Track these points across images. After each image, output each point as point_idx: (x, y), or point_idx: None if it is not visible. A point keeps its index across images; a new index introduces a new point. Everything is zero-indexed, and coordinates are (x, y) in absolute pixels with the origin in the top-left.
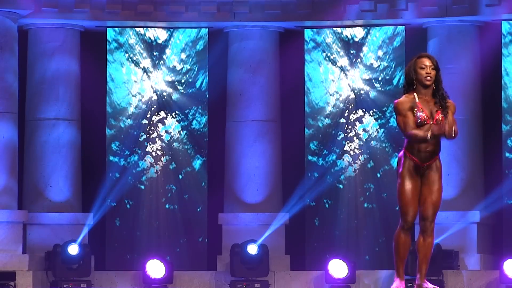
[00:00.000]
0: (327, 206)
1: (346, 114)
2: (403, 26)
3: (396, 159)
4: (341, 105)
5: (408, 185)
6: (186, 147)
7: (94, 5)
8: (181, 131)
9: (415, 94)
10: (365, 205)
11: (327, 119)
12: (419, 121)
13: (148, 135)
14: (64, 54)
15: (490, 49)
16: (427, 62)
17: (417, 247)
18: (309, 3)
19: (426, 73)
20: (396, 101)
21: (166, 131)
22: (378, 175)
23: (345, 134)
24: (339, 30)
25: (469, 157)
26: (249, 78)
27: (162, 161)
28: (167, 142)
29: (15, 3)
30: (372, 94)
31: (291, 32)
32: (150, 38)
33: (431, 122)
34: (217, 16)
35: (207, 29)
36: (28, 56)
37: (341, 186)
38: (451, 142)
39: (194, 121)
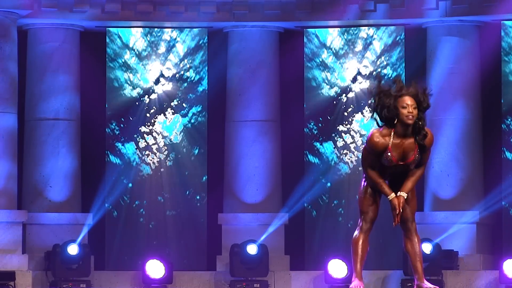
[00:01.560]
0: (326, 207)
1: (345, 114)
2: (403, 26)
3: None
4: (341, 103)
5: (373, 192)
6: (186, 147)
7: (94, 5)
8: (181, 132)
9: (392, 132)
10: None
11: (327, 116)
12: (385, 160)
13: (147, 135)
14: (64, 54)
15: (490, 49)
16: (408, 101)
17: (406, 249)
18: (309, 3)
19: (408, 112)
20: (372, 134)
21: (166, 131)
22: None
23: (343, 134)
24: (339, 29)
25: (468, 157)
26: (249, 78)
27: (161, 161)
28: (167, 142)
29: (15, 3)
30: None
31: (291, 32)
32: (149, 38)
33: (400, 163)
34: (216, 16)
35: (206, 29)
36: (28, 56)
37: (339, 186)
38: (450, 142)
39: (194, 121)
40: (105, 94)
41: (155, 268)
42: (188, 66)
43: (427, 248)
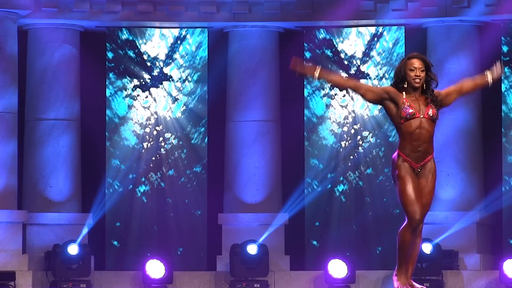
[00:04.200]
0: (327, 208)
1: (346, 119)
2: (403, 26)
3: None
4: (341, 108)
5: (409, 185)
6: (186, 146)
7: (94, 5)
8: (181, 130)
9: (404, 92)
10: (365, 204)
11: (327, 123)
12: (408, 116)
13: (148, 136)
14: (64, 54)
15: (490, 49)
16: (416, 63)
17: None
18: (309, 3)
19: (415, 75)
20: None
21: (166, 131)
22: (378, 180)
23: (346, 143)
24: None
25: (468, 157)
26: (249, 78)
27: (162, 160)
28: (167, 140)
29: (15, 3)
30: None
31: (291, 32)
32: (149, 38)
33: (421, 116)
34: (217, 16)
35: (206, 29)
36: (28, 56)
37: (340, 185)
38: (450, 142)
39: (194, 119)
40: (105, 94)
41: (155, 268)
42: (188, 66)
43: (427, 248)
